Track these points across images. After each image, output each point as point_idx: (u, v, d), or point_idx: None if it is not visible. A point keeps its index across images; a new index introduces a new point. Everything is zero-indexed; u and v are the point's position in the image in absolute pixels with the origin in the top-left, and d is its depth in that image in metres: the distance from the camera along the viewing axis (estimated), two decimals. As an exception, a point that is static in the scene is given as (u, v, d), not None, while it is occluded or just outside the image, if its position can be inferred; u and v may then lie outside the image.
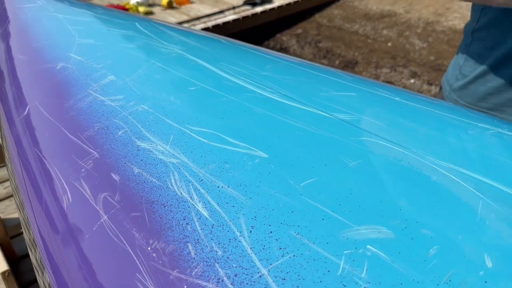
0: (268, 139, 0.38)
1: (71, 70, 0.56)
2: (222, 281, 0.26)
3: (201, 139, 0.39)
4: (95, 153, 0.41)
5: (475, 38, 0.58)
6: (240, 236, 0.29)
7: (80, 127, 0.45)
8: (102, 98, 0.48)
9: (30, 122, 0.52)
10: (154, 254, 0.30)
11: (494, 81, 0.53)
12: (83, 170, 0.40)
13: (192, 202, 0.32)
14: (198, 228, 0.30)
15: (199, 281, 0.27)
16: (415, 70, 3.25)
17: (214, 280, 0.27)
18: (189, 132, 0.40)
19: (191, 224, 0.31)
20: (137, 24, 0.73)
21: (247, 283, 0.26)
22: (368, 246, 0.27)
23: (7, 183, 1.80)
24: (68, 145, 0.43)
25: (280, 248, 0.27)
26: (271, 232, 0.29)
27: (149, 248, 0.30)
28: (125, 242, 0.32)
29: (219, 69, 0.52)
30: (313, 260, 0.26)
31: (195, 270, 0.28)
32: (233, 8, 4.06)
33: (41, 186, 0.42)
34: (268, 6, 4.12)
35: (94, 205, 0.36)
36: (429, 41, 3.66)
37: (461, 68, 0.61)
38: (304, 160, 0.35)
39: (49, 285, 0.39)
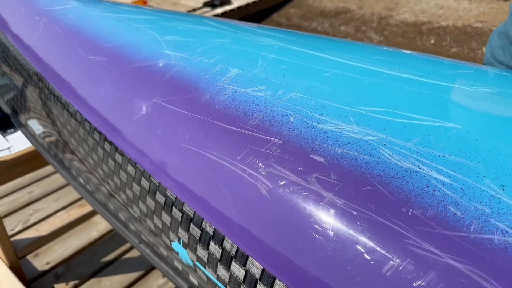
0: (442, 111, 0.41)
1: (180, 66, 0.55)
2: (508, 232, 0.29)
3: (383, 117, 0.41)
4: (276, 139, 0.41)
5: None
6: (497, 194, 0.31)
7: (239, 118, 0.45)
8: (244, 90, 0.48)
9: (158, 120, 0.51)
10: (416, 219, 0.32)
11: None
12: (270, 156, 0.40)
13: (425, 172, 0.34)
14: (449, 192, 0.32)
15: (483, 236, 0.29)
16: (377, 62, 3.42)
17: (498, 232, 0.29)
18: (366, 113, 0.42)
19: (438, 190, 0.33)
20: (205, 20, 0.73)
21: (536, 230, 0.29)
22: None
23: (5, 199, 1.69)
24: (236, 136, 0.43)
25: (544, 198, 0.30)
26: (523, 186, 0.32)
27: (407, 214, 0.32)
28: (372, 214, 0.33)
29: (333, 56, 0.54)
30: None
31: (473, 227, 0.30)
32: (193, 10, 4.03)
33: (223, 182, 0.42)
34: (227, 7, 4.14)
35: (308, 185, 0.37)
36: (385, 35, 3.88)
37: None
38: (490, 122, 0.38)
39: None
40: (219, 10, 4.06)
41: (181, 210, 0.46)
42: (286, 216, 0.37)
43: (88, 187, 0.75)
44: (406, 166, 0.35)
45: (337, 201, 0.35)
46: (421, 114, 0.40)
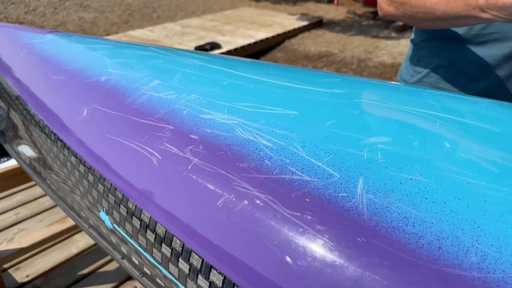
0: (292, 104, 0.55)
1: (116, 80, 0.71)
2: (295, 172, 0.43)
3: (247, 109, 0.56)
4: (170, 126, 0.56)
5: (422, 47, 0.83)
6: (298, 151, 0.46)
7: (148, 113, 0.60)
8: (158, 94, 0.64)
9: (94, 120, 0.65)
10: (243, 170, 0.46)
11: (442, 74, 0.78)
12: (163, 138, 0.55)
13: (258, 141, 0.49)
14: (268, 152, 0.47)
15: (279, 176, 0.43)
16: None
17: (289, 173, 0.43)
18: (237, 106, 0.57)
19: (262, 151, 0.47)
20: (151, 47, 0.89)
21: (311, 170, 0.43)
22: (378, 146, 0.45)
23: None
24: (143, 126, 0.58)
25: (326, 153, 0.45)
26: (317, 146, 0.46)
27: (239, 167, 0.46)
28: (218, 168, 0.47)
29: (237, 71, 0.70)
30: (348, 154, 0.44)
31: (275, 171, 0.44)
32: (184, 53, 4.31)
33: (130, 159, 0.56)
34: (217, 51, 4.41)
35: (183, 155, 0.51)
36: (364, 75, 4.12)
37: (414, 68, 0.85)
38: (319, 113, 0.53)
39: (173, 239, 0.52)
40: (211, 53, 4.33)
41: (103, 184, 0.60)
42: (167, 176, 0.51)
43: (48, 181, 0.89)
44: (247, 137, 0.50)
45: (199, 163, 0.49)
46: (274, 106, 0.55)
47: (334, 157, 0.44)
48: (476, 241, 0.33)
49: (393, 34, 5.17)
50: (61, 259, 1.59)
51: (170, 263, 0.49)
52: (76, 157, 0.67)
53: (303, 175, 0.43)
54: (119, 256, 0.68)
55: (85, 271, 1.53)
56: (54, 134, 0.74)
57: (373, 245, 0.35)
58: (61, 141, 0.71)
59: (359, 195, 0.39)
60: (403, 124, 0.50)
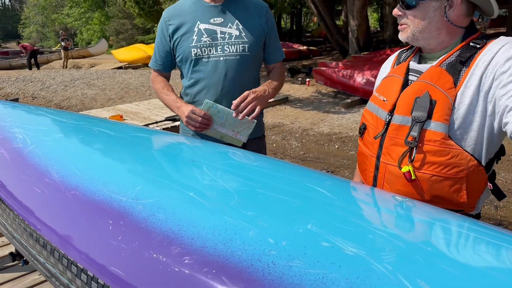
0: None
1: (15, 137, 1.46)
2: (31, 154, 1.15)
3: (39, 127, 1.28)
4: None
5: None
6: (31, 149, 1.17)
7: (6, 140, 1.33)
8: (20, 130, 1.37)
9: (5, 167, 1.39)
10: (11, 149, 1.17)
11: None
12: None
13: (18, 135, 1.21)
14: (27, 140, 1.18)
15: (25, 155, 1.15)
16: (288, 160, 4.32)
17: (32, 156, 1.15)
18: (31, 127, 1.29)
19: (20, 137, 1.19)
20: (48, 110, 1.66)
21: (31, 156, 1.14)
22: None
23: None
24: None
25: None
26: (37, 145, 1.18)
27: (8, 147, 1.18)
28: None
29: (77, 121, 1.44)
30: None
31: (26, 151, 1.16)
32: (156, 122, 5.17)
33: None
34: (184, 121, 5.25)
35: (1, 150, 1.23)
36: (303, 142, 4.85)
37: None
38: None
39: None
40: (178, 123, 5.18)
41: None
42: (-7, 157, 1.23)
43: None
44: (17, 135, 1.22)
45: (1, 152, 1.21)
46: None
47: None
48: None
49: (342, 109, 5.97)
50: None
51: None
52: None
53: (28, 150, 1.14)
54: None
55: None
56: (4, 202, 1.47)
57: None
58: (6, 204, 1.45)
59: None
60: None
